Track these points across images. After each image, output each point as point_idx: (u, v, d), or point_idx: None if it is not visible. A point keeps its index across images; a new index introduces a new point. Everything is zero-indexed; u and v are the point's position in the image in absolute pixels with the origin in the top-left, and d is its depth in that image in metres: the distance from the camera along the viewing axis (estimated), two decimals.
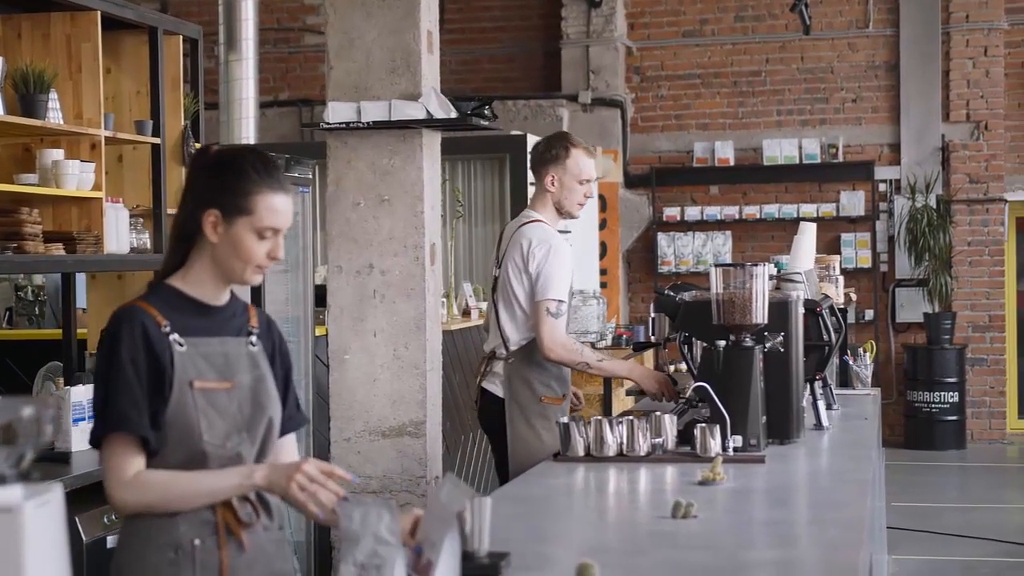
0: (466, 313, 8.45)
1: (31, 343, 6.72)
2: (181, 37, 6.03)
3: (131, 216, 5.55)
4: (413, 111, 5.14)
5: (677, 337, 4.70)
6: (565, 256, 4.89)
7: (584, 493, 3.85)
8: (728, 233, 12.44)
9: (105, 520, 4.41)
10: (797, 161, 12.31)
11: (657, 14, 12.68)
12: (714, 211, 12.43)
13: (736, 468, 3.88)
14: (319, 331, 6.16)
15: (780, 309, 4.39)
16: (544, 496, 3.72)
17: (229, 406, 2.74)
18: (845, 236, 12.23)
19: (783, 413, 4.37)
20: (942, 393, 11.79)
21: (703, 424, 4.07)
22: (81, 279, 6.17)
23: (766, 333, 4.30)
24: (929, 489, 10.21)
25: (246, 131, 6.51)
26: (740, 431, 4.11)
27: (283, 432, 2.87)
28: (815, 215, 12.03)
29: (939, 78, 12.19)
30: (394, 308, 5.24)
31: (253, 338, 2.83)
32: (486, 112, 5.36)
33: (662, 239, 12.51)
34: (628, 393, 7.76)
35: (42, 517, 1.65)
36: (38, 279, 7.41)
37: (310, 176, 6.36)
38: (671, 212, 12.50)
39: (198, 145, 5.98)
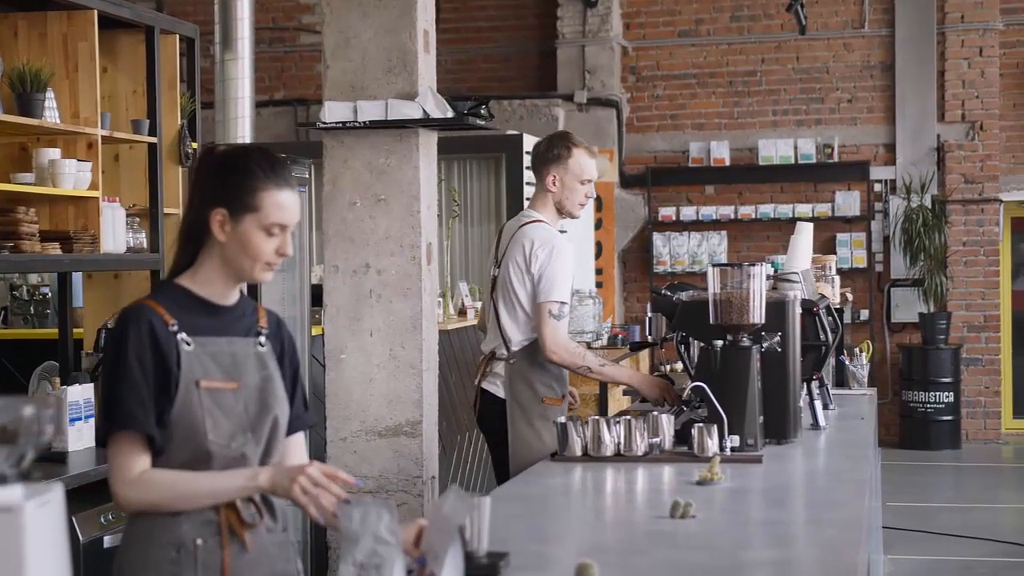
0: (462, 313, 8.44)
1: (27, 342, 6.71)
2: (177, 36, 6.03)
3: (127, 215, 5.53)
4: (409, 111, 5.14)
5: (674, 337, 4.70)
6: (567, 258, 4.87)
7: (582, 493, 3.85)
8: (724, 233, 12.44)
9: (102, 520, 4.41)
10: (793, 161, 12.32)
11: (653, 14, 12.69)
12: (710, 211, 12.44)
13: (733, 468, 3.89)
14: (315, 331, 6.15)
15: (777, 309, 4.39)
16: (542, 496, 3.72)
17: (235, 406, 2.75)
18: (840, 236, 12.24)
19: (780, 413, 4.37)
20: (937, 393, 11.80)
21: (700, 424, 4.07)
22: (78, 278, 6.16)
23: (763, 333, 4.31)
24: (925, 489, 10.22)
25: (242, 130, 6.52)
26: (737, 431, 4.12)
27: (291, 431, 2.88)
28: (810, 215, 12.04)
29: (934, 78, 12.21)
30: (390, 308, 5.23)
31: (262, 338, 2.84)
32: (482, 112, 5.35)
33: (658, 239, 12.51)
34: (625, 393, 7.76)
35: (43, 517, 1.65)
36: (34, 278, 7.40)
37: (306, 176, 6.34)
38: (667, 212, 12.51)
39: (195, 144, 5.97)
